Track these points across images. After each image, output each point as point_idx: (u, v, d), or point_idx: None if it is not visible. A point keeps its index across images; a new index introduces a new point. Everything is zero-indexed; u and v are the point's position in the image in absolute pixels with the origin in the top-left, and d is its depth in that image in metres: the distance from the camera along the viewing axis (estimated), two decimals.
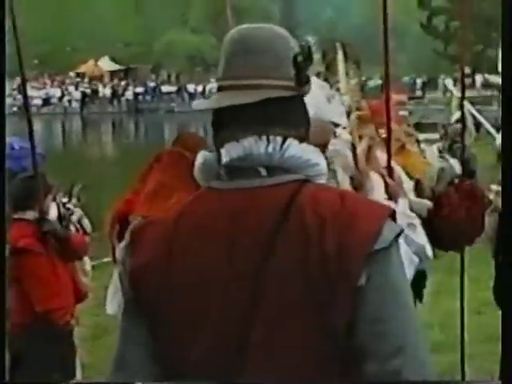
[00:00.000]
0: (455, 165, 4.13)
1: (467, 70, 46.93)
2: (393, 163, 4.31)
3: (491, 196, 4.00)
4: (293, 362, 1.79)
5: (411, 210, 3.80)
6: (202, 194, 1.96)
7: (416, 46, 65.97)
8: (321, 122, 3.59)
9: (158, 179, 4.30)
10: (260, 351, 1.79)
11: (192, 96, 61.54)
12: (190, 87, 64.07)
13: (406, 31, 71.72)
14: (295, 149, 1.87)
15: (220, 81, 1.95)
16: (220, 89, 1.95)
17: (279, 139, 1.86)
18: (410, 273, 3.21)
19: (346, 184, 3.21)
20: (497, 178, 4.46)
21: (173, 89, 65.43)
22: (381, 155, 4.18)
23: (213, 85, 63.80)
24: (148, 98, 64.60)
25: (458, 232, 4.14)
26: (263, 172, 1.85)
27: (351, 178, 3.28)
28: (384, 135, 4.74)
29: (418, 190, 4.29)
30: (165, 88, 65.39)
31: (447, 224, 4.08)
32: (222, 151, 1.89)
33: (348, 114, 4.15)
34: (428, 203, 4.19)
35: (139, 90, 64.26)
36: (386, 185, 3.62)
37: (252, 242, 1.81)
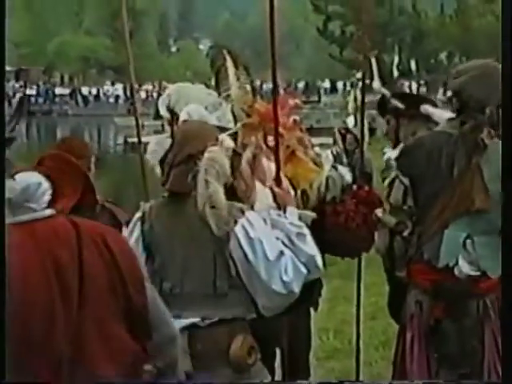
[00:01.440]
0: (345, 173, 4.11)
1: (360, 75, 47.68)
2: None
3: (379, 213, 4.01)
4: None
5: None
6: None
7: (312, 50, 67.00)
8: (200, 128, 3.53)
9: None
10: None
11: (86, 99, 60.69)
12: (84, 90, 63.15)
13: (303, 35, 72.80)
14: None
15: None
16: None
17: None
18: (297, 283, 3.16)
19: (219, 194, 3.10)
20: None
21: (66, 91, 64.19)
22: (268, 163, 4.11)
23: (108, 87, 63.30)
24: (40, 100, 63.16)
25: (354, 239, 4.15)
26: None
27: (226, 187, 3.18)
28: (272, 142, 4.66)
29: (305, 199, 4.22)
30: (58, 90, 64.15)
31: (344, 231, 4.11)
32: None
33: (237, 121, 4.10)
34: (311, 214, 4.09)
35: (31, 91, 62.75)
36: (274, 194, 3.54)
37: None
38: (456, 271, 3.59)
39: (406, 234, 3.78)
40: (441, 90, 34.48)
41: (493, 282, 3.59)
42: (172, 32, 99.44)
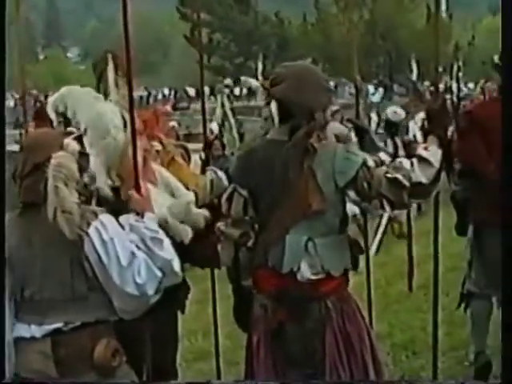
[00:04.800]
0: (222, 176, 4.18)
1: (229, 81, 48.44)
2: (168, 174, 4.27)
3: (222, 227, 4.07)
4: None
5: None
6: None
7: (181, 57, 66.86)
8: (43, 135, 3.51)
9: None
10: None
11: None
12: None
13: (172, 43, 72.62)
14: None
15: None
16: None
17: None
18: (151, 286, 3.21)
19: (69, 198, 3.13)
20: None
21: None
22: (156, 167, 4.13)
23: None
24: None
25: (213, 250, 4.24)
26: None
27: (79, 193, 3.22)
28: (157, 148, 4.70)
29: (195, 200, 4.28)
30: None
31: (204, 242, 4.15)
32: None
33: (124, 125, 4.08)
34: (206, 213, 4.21)
35: None
36: (132, 200, 3.57)
37: None
38: (298, 276, 3.66)
39: (250, 244, 3.83)
40: None
41: (334, 285, 3.71)
42: (39, 40, 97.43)
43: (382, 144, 5.10)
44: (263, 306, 3.79)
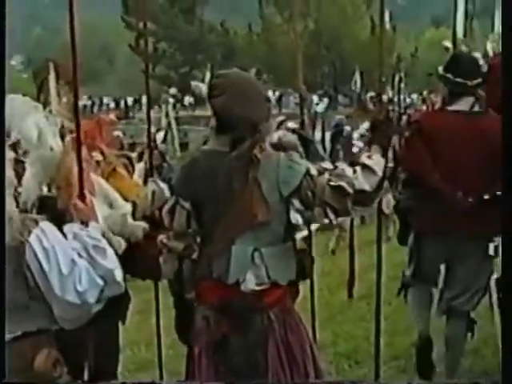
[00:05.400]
0: (164, 187, 4.14)
1: (174, 91, 48.42)
2: (107, 186, 4.23)
3: (165, 240, 4.06)
4: None
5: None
6: None
7: (126, 66, 66.55)
8: None
9: None
10: None
11: None
12: None
13: (117, 52, 72.28)
14: None
15: None
16: None
17: None
18: (92, 294, 3.20)
19: (9, 206, 3.10)
20: None
21: None
22: (95, 178, 4.09)
23: None
24: None
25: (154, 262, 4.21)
26: None
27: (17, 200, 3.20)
28: (98, 158, 4.66)
29: (134, 212, 4.26)
30: None
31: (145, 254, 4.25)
32: None
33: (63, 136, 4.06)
34: (144, 225, 4.24)
35: None
36: (78, 209, 3.55)
37: None
38: (242, 287, 3.64)
39: (194, 256, 3.80)
40: None
41: (277, 296, 3.71)
42: None
43: (325, 154, 5.14)
44: (205, 318, 3.76)
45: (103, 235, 3.56)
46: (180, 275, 3.94)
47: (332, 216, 3.68)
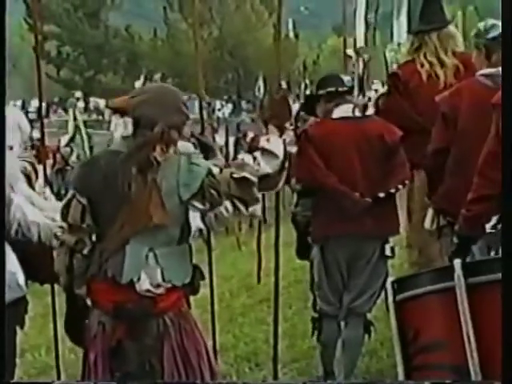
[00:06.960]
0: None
1: (79, 94, 47.83)
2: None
3: (58, 233, 4.06)
4: None
5: None
6: None
7: (29, 69, 65.43)
8: None
9: None
10: None
11: None
12: None
13: (21, 54, 70.95)
14: None
15: None
16: None
17: None
18: None
19: None
20: None
21: None
22: None
23: None
24: None
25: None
26: None
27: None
28: None
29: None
30: None
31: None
32: None
33: None
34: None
35: None
36: None
37: None
38: (137, 287, 3.64)
39: (85, 251, 3.77)
40: None
41: (172, 301, 3.73)
42: None
43: (223, 159, 5.17)
44: (101, 324, 3.74)
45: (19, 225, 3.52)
46: (70, 269, 3.86)
47: (242, 208, 3.72)
